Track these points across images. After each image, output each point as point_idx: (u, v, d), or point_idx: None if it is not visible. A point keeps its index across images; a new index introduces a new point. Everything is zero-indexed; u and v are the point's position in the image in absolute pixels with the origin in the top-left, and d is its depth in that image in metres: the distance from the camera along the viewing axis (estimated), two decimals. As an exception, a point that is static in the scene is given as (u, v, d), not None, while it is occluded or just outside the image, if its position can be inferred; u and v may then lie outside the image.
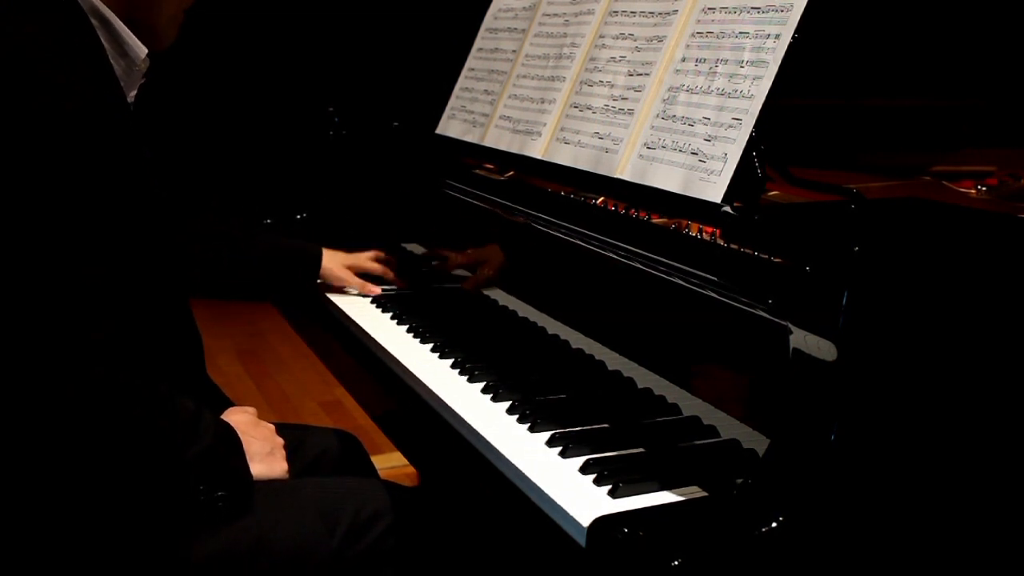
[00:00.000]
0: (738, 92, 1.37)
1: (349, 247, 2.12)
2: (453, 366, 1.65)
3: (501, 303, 1.88)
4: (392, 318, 1.92)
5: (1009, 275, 1.19)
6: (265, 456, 1.44)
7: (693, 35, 1.50)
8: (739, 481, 1.14)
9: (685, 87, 1.47)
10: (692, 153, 1.40)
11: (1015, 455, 1.15)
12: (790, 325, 1.15)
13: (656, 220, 1.42)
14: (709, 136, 1.38)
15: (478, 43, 2.08)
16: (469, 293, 1.99)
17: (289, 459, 1.49)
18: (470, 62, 2.08)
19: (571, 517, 1.17)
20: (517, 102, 1.85)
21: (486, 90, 1.97)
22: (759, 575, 1.05)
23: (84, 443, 1.23)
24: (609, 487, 1.21)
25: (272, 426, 1.52)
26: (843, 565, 1.08)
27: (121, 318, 1.25)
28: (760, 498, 1.08)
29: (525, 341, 1.75)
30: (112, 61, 1.39)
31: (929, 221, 1.39)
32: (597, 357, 1.60)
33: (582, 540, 1.14)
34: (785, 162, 1.43)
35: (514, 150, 1.79)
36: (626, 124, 1.55)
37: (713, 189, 1.34)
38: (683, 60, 1.50)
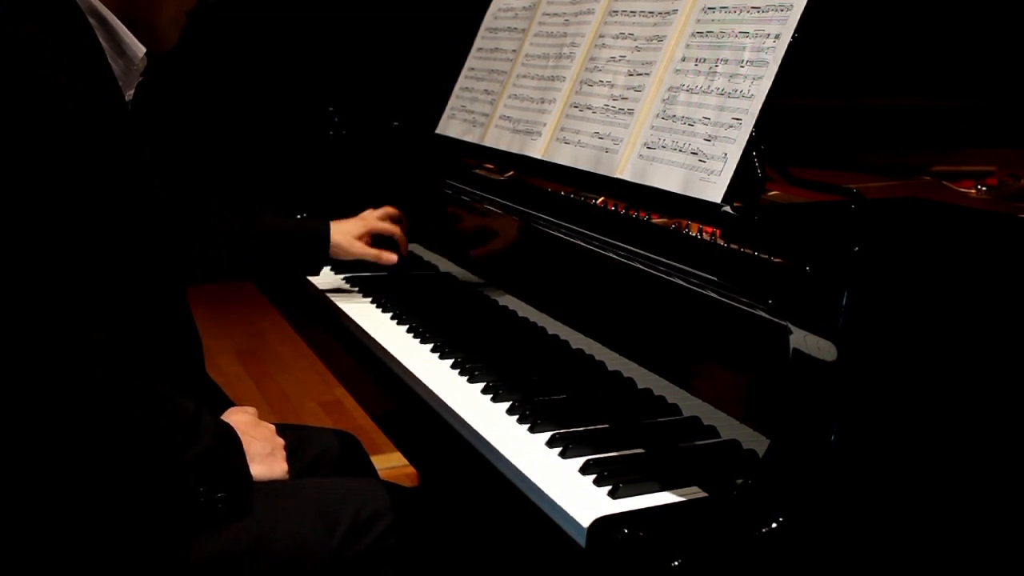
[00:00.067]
0: (738, 92, 1.37)
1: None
2: (453, 366, 1.65)
3: (501, 303, 1.88)
4: (392, 318, 1.92)
5: (1009, 275, 1.19)
6: (265, 456, 1.43)
7: (693, 35, 1.50)
8: (739, 481, 1.14)
9: (685, 87, 1.47)
10: (692, 153, 1.40)
11: (1015, 455, 1.15)
12: (790, 325, 1.15)
13: (656, 220, 1.42)
14: (709, 136, 1.38)
15: (478, 43, 2.08)
16: (469, 293, 1.99)
17: (289, 459, 1.49)
18: (470, 62, 2.08)
19: (571, 517, 1.17)
20: (517, 102, 1.85)
21: (486, 90, 1.97)
22: (759, 575, 1.05)
23: (84, 443, 1.23)
24: (609, 487, 1.21)
25: (272, 426, 1.52)
26: (843, 565, 1.07)
27: (121, 318, 1.25)
28: (760, 498, 1.07)
29: (525, 341, 1.75)
30: (110, 61, 1.39)
31: (929, 221, 1.39)
32: (597, 357, 1.60)
33: (582, 540, 1.14)
34: (785, 162, 1.43)
35: (514, 150, 1.79)
36: (626, 124, 1.55)
37: (713, 189, 1.34)
38: (683, 60, 1.50)
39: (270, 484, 1.42)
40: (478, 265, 1.98)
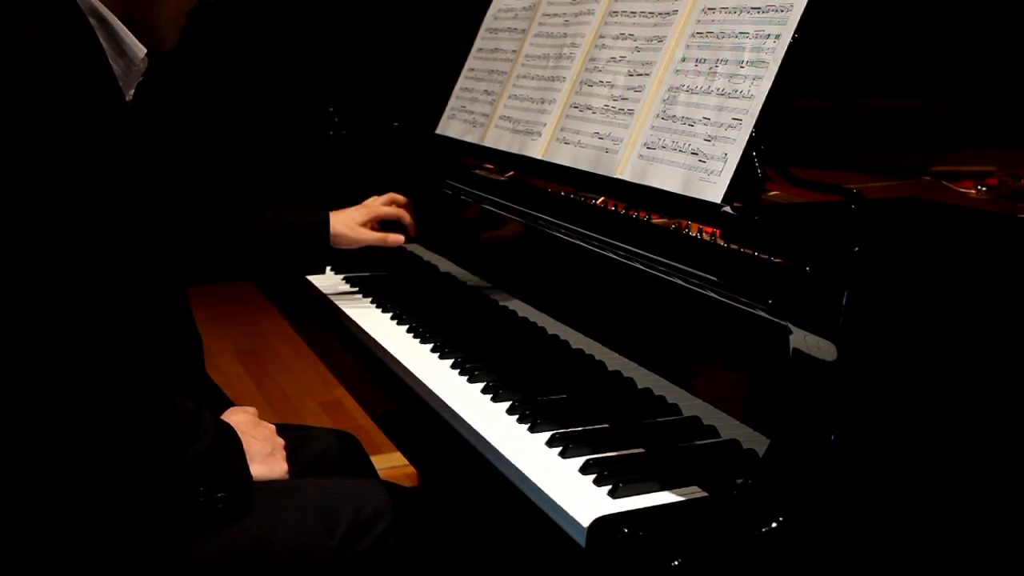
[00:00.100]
0: (738, 92, 1.37)
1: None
2: (453, 366, 1.65)
3: (501, 303, 1.88)
4: (392, 318, 1.92)
5: (1009, 275, 1.19)
6: (265, 456, 1.43)
7: (693, 35, 1.50)
8: (739, 481, 1.14)
9: (685, 87, 1.47)
10: (692, 153, 1.40)
11: (1015, 455, 1.15)
12: (790, 325, 1.15)
13: (656, 220, 1.42)
14: (709, 136, 1.38)
15: (478, 43, 2.08)
16: (469, 293, 1.99)
17: (289, 459, 1.49)
18: (470, 62, 2.08)
19: (571, 517, 1.17)
20: (517, 102, 1.85)
21: (486, 90, 1.97)
22: (759, 575, 1.05)
23: (84, 443, 1.23)
24: (609, 487, 1.21)
25: (272, 426, 1.52)
26: (843, 565, 1.08)
27: (121, 318, 1.25)
28: (760, 498, 1.08)
29: (525, 341, 1.75)
30: (111, 61, 1.40)
31: (929, 221, 1.39)
32: (597, 357, 1.60)
33: (582, 540, 1.14)
34: (785, 162, 1.43)
35: (514, 150, 1.79)
36: (626, 124, 1.55)
37: (713, 189, 1.34)
38: (683, 60, 1.50)
39: (270, 484, 1.42)
40: (478, 265, 1.98)
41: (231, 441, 1.37)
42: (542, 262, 1.72)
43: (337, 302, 2.04)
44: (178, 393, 1.31)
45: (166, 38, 1.48)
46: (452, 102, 2.08)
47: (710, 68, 1.44)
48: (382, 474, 1.94)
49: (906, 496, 1.10)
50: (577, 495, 1.22)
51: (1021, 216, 1.49)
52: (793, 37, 1.34)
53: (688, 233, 1.34)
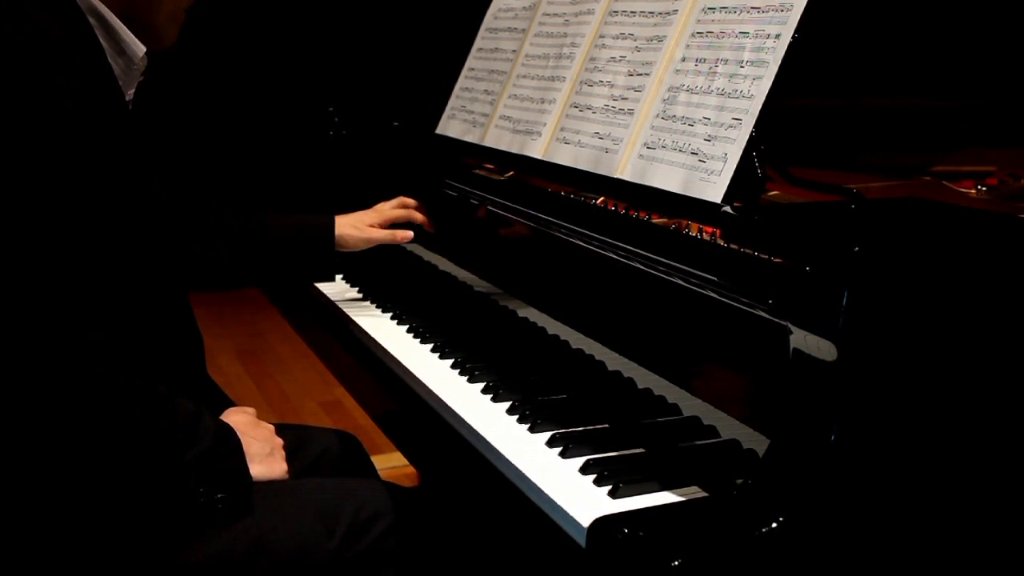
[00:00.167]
0: (738, 92, 1.37)
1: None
2: (453, 366, 1.65)
3: (501, 303, 1.88)
4: (392, 318, 1.92)
5: (1009, 275, 1.19)
6: (265, 457, 1.43)
7: (693, 35, 1.50)
8: (739, 481, 1.14)
9: (685, 87, 1.47)
10: (692, 153, 1.40)
11: (1015, 455, 1.15)
12: (790, 325, 1.15)
13: (656, 220, 1.42)
14: (709, 136, 1.38)
15: (478, 43, 2.08)
16: (469, 293, 1.99)
17: (289, 460, 1.49)
18: (470, 62, 2.08)
19: (571, 517, 1.17)
20: (517, 102, 1.85)
21: (486, 90, 1.97)
22: (759, 575, 1.05)
23: (84, 443, 1.23)
24: (609, 487, 1.21)
25: (271, 427, 1.52)
26: (843, 565, 1.07)
27: (121, 318, 1.25)
28: (760, 498, 1.07)
29: (525, 341, 1.75)
30: (110, 60, 1.39)
31: (929, 221, 1.39)
32: (597, 357, 1.60)
33: (582, 540, 1.14)
34: (785, 162, 1.43)
35: (514, 150, 1.79)
36: (626, 124, 1.55)
37: (713, 189, 1.34)
38: (683, 60, 1.50)
39: (270, 484, 1.42)
40: (478, 265, 1.98)
41: (231, 442, 1.37)
42: (542, 262, 1.72)
43: (337, 302, 2.04)
44: (178, 393, 1.31)
45: (165, 36, 1.48)
46: (452, 102, 2.08)
47: (710, 68, 1.44)
48: (382, 474, 1.94)
49: (906, 496, 1.10)
50: (577, 495, 1.22)
51: (1021, 216, 1.49)
52: (793, 37, 1.34)
53: (688, 233, 1.34)
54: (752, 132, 1.33)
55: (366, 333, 1.86)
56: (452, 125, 2.04)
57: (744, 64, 1.38)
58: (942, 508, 1.12)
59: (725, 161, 1.34)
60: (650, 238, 1.39)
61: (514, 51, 1.94)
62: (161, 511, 1.31)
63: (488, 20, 2.08)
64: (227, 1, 4.64)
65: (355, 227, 1.95)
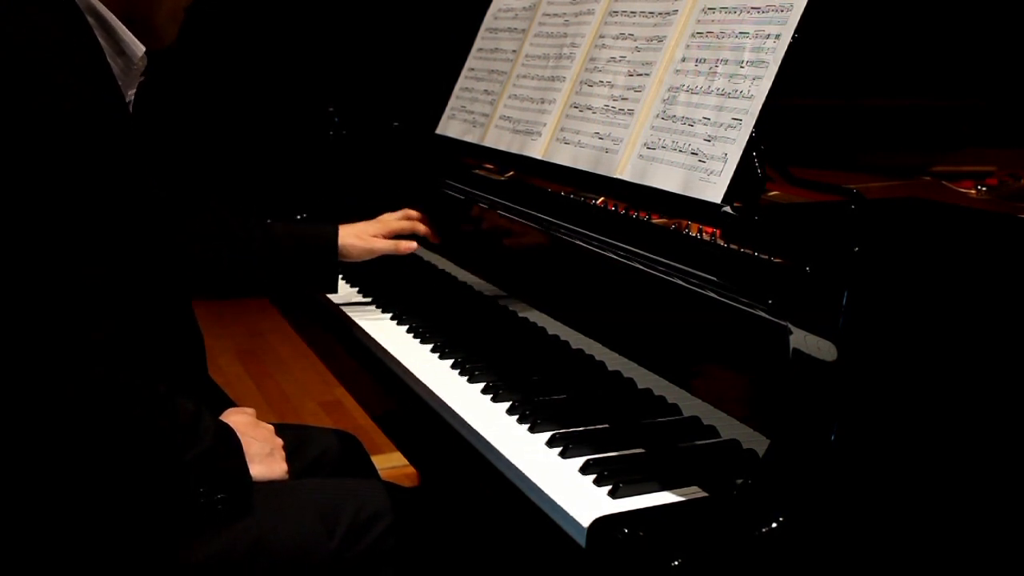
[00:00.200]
0: (738, 92, 1.37)
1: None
2: (453, 366, 1.65)
3: (501, 303, 1.88)
4: (392, 318, 1.92)
5: (1009, 275, 1.19)
6: (264, 457, 1.43)
7: (693, 35, 1.50)
8: (739, 481, 1.14)
9: (685, 87, 1.47)
10: (692, 153, 1.40)
11: (1015, 455, 1.15)
12: (790, 325, 1.15)
13: (656, 220, 1.42)
14: (709, 136, 1.38)
15: (478, 43, 2.08)
16: (469, 293, 1.99)
17: (289, 460, 1.49)
18: (470, 62, 2.08)
19: (571, 517, 1.17)
20: (517, 102, 1.85)
21: (486, 90, 1.97)
22: (759, 575, 1.05)
23: (84, 443, 1.23)
24: (609, 487, 1.21)
25: (271, 427, 1.52)
26: (843, 565, 1.07)
27: (121, 318, 1.25)
28: (760, 498, 1.07)
29: (525, 341, 1.75)
30: (109, 60, 1.39)
31: (929, 221, 1.39)
32: (597, 357, 1.60)
33: (582, 540, 1.14)
34: (785, 162, 1.43)
35: (514, 150, 1.79)
36: (626, 124, 1.55)
37: (713, 189, 1.34)
38: (683, 60, 1.50)
39: (270, 485, 1.42)
40: (478, 266, 1.98)
41: (230, 442, 1.37)
42: (542, 262, 1.72)
43: (337, 303, 2.04)
44: (179, 394, 1.31)
45: (164, 35, 1.48)
46: (452, 102, 2.08)
47: (710, 68, 1.44)
48: (382, 474, 1.94)
49: (906, 496, 1.10)
50: (577, 495, 1.22)
51: (1021, 216, 1.49)
52: (793, 37, 1.34)
53: (688, 233, 1.34)
54: (752, 132, 1.33)
55: (366, 333, 1.86)
56: (452, 125, 2.04)
57: (744, 64, 1.38)
58: (942, 508, 1.12)
59: (725, 161, 1.34)
60: (650, 238, 1.39)
61: (514, 51, 1.94)
62: (161, 511, 1.31)
63: (488, 20, 2.08)
64: (227, 1, 4.64)
65: (359, 237, 1.94)
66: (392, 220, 2.00)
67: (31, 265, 1.21)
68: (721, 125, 1.37)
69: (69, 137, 1.23)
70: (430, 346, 1.75)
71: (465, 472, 1.48)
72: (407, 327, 1.86)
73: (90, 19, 1.37)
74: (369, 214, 2.05)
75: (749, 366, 1.28)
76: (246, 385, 4.12)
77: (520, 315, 1.81)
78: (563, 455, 1.32)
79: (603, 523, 1.11)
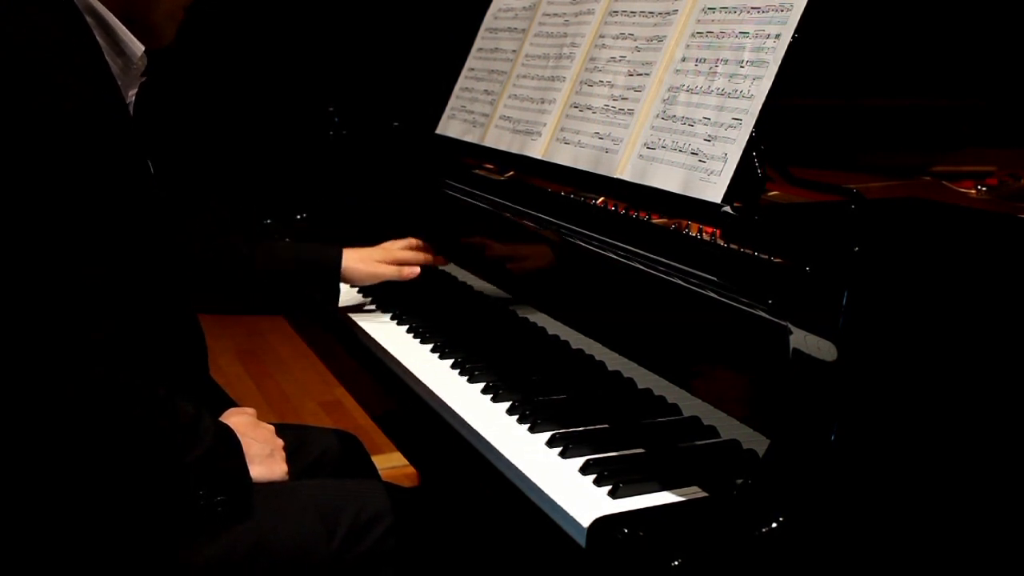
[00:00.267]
0: (738, 92, 1.37)
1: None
2: (453, 366, 1.65)
3: (501, 303, 1.88)
4: (392, 318, 1.92)
5: (1009, 275, 1.19)
6: (265, 458, 1.43)
7: (693, 35, 1.50)
8: (739, 481, 1.14)
9: (685, 87, 1.47)
10: (692, 153, 1.40)
11: (1015, 455, 1.15)
12: (790, 325, 1.15)
13: (656, 220, 1.42)
14: (709, 136, 1.38)
15: (478, 43, 2.08)
16: (469, 293, 1.99)
17: (289, 460, 1.49)
18: (470, 62, 2.08)
19: (571, 517, 1.17)
20: (517, 102, 1.85)
21: (486, 90, 1.97)
22: (759, 575, 1.05)
23: (84, 444, 1.23)
24: (609, 487, 1.21)
25: (271, 427, 1.52)
26: (843, 565, 1.07)
27: (121, 318, 1.25)
28: (760, 498, 1.07)
29: (525, 341, 1.75)
30: (109, 60, 1.39)
31: (929, 221, 1.39)
32: (597, 357, 1.60)
33: (582, 540, 1.14)
34: (785, 162, 1.43)
35: (514, 150, 1.79)
36: (626, 124, 1.55)
37: (713, 189, 1.34)
38: (683, 60, 1.50)
39: (270, 485, 1.42)
40: (478, 266, 1.97)
41: (231, 443, 1.37)
42: (542, 262, 1.72)
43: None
44: (181, 394, 1.31)
45: (163, 34, 1.48)
46: (452, 102, 2.08)
47: (710, 68, 1.44)
48: (382, 474, 1.94)
49: (906, 496, 1.10)
50: (577, 495, 1.22)
51: (1021, 216, 1.49)
52: (793, 37, 1.34)
53: (688, 233, 1.34)
54: (752, 132, 1.33)
55: (366, 334, 1.86)
56: (452, 125, 2.04)
57: (744, 64, 1.38)
58: (942, 508, 1.12)
59: (725, 161, 1.34)
60: (650, 238, 1.39)
61: (514, 51, 1.94)
62: (161, 512, 1.31)
63: (488, 20, 2.08)
64: (227, 1, 4.64)
65: (363, 261, 1.93)
66: (396, 249, 1.98)
67: (31, 265, 1.21)
68: (721, 125, 1.37)
69: (69, 137, 1.23)
70: (430, 346, 1.75)
71: (465, 472, 1.48)
72: (407, 327, 1.86)
73: (89, 19, 1.37)
74: (369, 214, 2.05)
75: (749, 366, 1.28)
76: (246, 385, 4.11)
77: (520, 315, 1.81)
78: (563, 455, 1.32)
79: (603, 523, 1.11)
